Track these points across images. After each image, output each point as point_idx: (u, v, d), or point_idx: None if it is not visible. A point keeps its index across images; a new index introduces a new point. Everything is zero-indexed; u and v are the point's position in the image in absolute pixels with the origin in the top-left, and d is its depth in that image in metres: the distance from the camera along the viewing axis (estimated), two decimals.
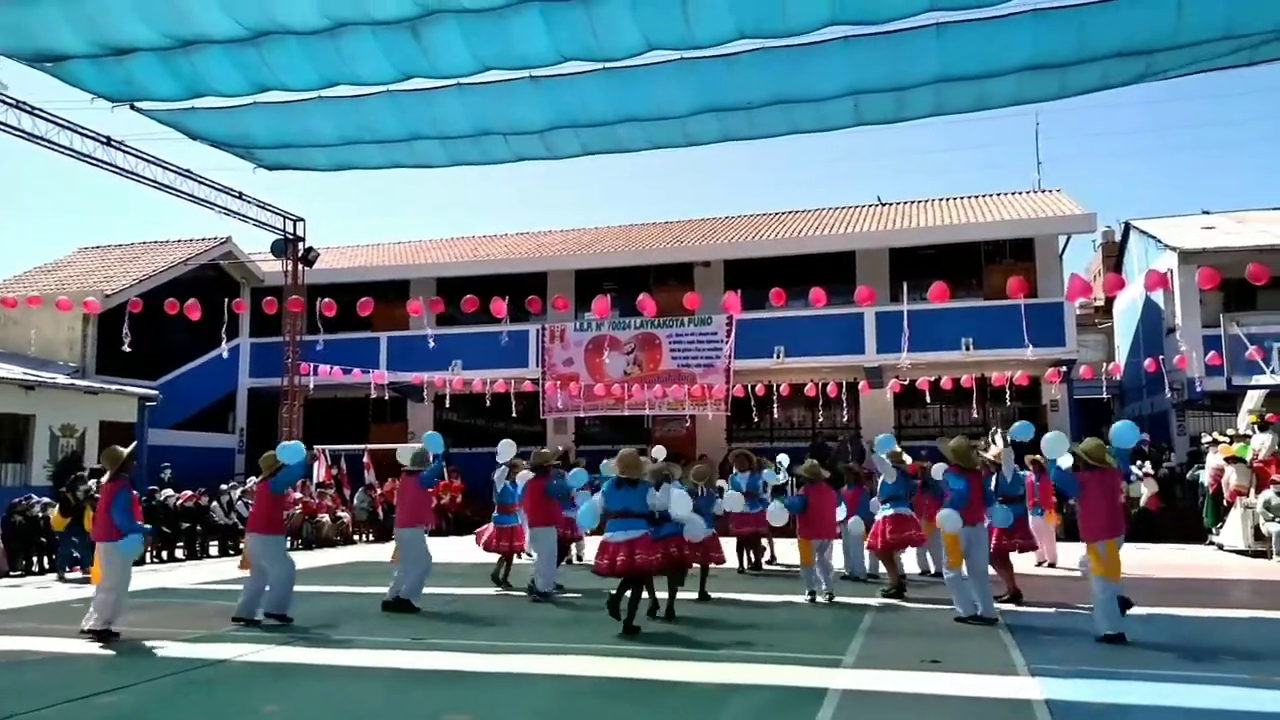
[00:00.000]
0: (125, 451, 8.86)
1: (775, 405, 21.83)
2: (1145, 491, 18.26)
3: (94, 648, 7.98)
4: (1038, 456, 12.84)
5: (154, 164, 17.14)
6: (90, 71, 11.40)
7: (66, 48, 10.84)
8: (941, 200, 27.14)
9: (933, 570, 12.06)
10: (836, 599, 10.16)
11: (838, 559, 11.49)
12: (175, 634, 8.45)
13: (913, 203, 27.34)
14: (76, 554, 13.67)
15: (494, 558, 11.90)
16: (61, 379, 19.79)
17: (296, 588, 9.38)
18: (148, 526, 8.69)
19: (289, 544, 10.83)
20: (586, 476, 11.64)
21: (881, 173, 65.65)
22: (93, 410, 19.93)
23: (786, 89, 11.67)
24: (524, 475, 11.26)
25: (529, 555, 11.38)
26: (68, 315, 20.47)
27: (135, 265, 24.85)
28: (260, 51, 10.76)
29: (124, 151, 16.38)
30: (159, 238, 28.29)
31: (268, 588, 9.15)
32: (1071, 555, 14.00)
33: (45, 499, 15.23)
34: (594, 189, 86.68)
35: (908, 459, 11.25)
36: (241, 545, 17.09)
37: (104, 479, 8.87)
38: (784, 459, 14.10)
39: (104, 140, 16.01)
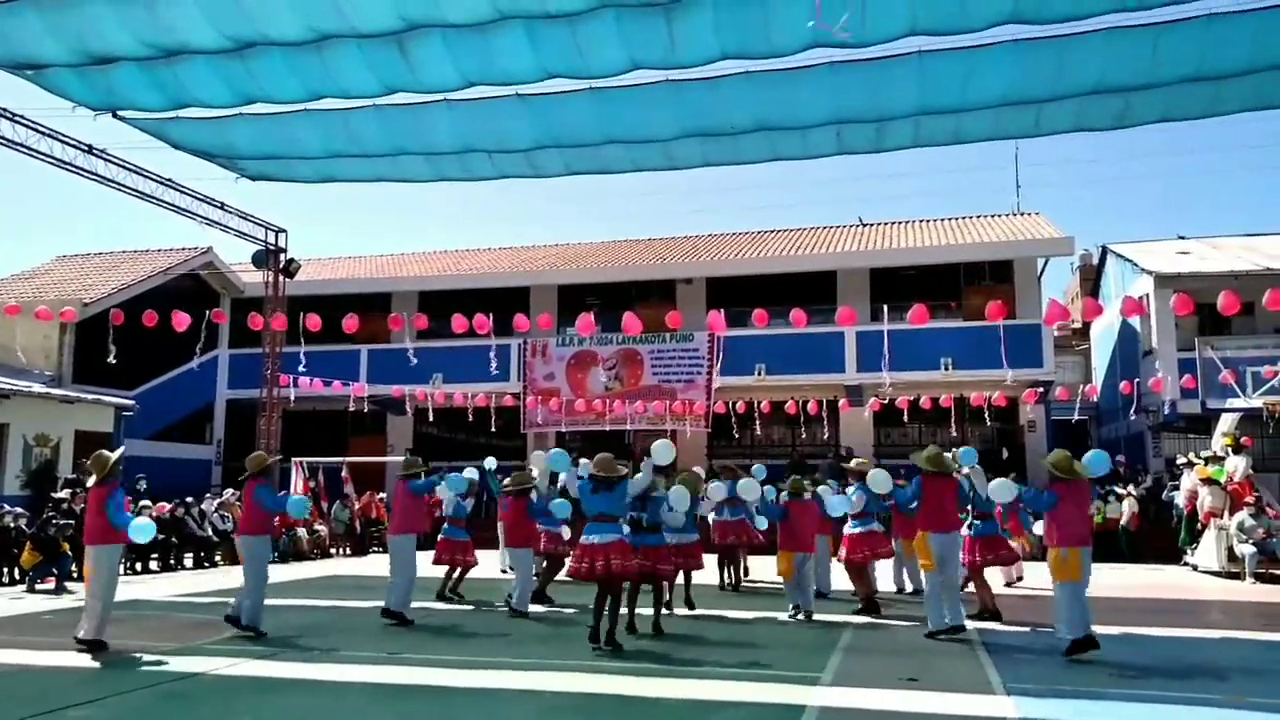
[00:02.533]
0: (113, 456, 8.82)
1: (756, 422, 21.90)
2: (1126, 511, 18.47)
3: (67, 659, 7.89)
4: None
5: (135, 172, 17.04)
6: (73, 80, 11.35)
7: (48, 56, 10.80)
8: (922, 222, 27.41)
9: (909, 589, 12.13)
10: (815, 616, 10.18)
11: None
12: (150, 647, 8.37)
13: (894, 224, 27.59)
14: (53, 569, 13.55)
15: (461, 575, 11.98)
16: (37, 388, 19.58)
17: (273, 601, 9.34)
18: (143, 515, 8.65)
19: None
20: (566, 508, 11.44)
21: (863, 194, 66.17)
22: (68, 420, 19.72)
23: (770, 115, 11.78)
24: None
25: (503, 570, 11.39)
26: (44, 324, 20.27)
27: (114, 274, 24.67)
28: (245, 63, 10.75)
29: (105, 160, 16.28)
30: (139, 247, 28.12)
31: (245, 601, 9.08)
32: (1039, 575, 14.19)
33: (18, 509, 15.05)
34: (577, 205, 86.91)
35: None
36: (219, 557, 17.20)
37: (90, 483, 8.82)
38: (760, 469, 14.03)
39: (85, 148, 15.91)
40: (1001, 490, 8.81)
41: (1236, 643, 9.15)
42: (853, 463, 12.17)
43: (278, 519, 17.66)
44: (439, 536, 12.11)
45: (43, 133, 15.17)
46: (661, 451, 8.97)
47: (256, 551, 9.21)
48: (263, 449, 21.72)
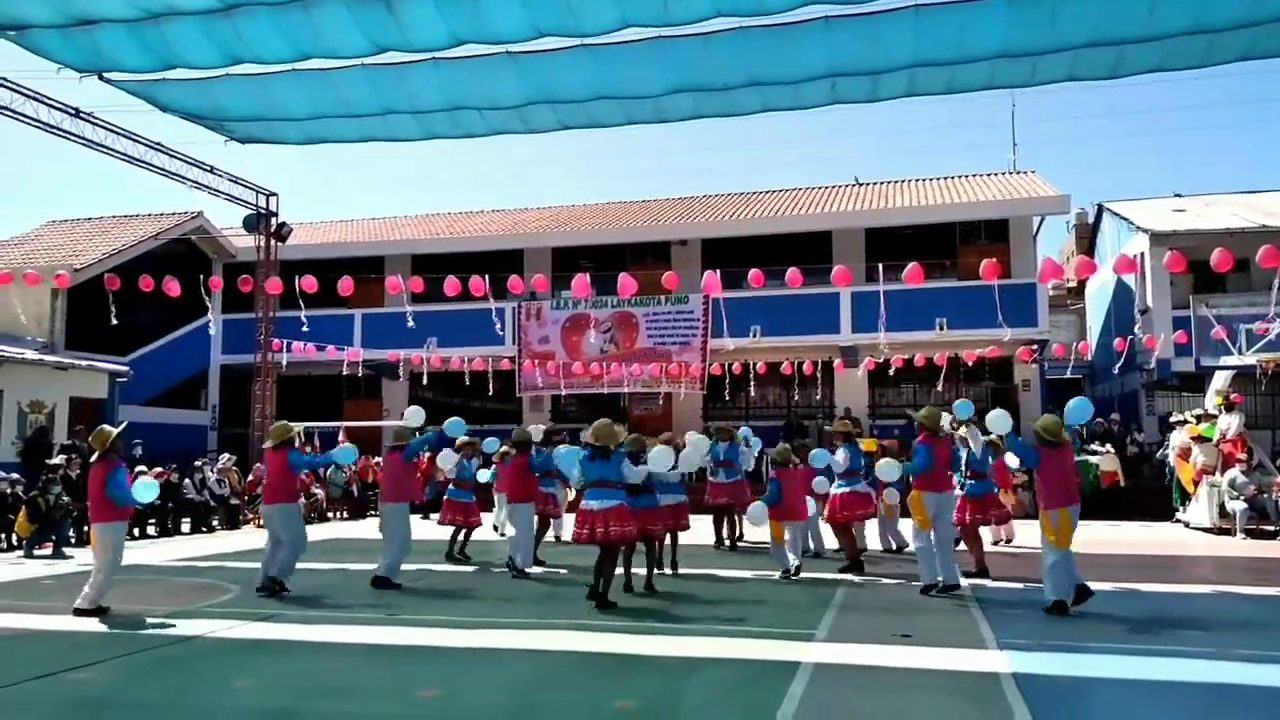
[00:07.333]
0: (114, 431, 8.83)
1: (751, 384, 21.92)
2: (1104, 467, 18.44)
3: (66, 624, 7.93)
4: (993, 437, 12.98)
5: (124, 136, 16.87)
6: (57, 41, 11.18)
7: (31, 16, 10.62)
8: (918, 181, 27.25)
9: (894, 547, 12.23)
10: (809, 574, 10.25)
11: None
12: (147, 611, 8.41)
13: (889, 183, 27.44)
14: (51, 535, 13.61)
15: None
16: (30, 354, 19.51)
17: None
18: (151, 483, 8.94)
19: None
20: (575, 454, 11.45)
21: (859, 153, 65.77)
22: (62, 386, 19.67)
23: (763, 70, 11.66)
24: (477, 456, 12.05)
25: (500, 534, 11.42)
26: (35, 289, 20.16)
27: (105, 239, 24.48)
28: (232, 23, 10.60)
29: (93, 123, 16.09)
30: (129, 211, 27.89)
31: (278, 554, 9.42)
32: (1029, 533, 14.29)
33: (14, 475, 15.06)
34: (571, 166, 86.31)
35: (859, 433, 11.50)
36: (216, 521, 17.25)
37: (93, 460, 8.84)
38: (747, 431, 13.87)
39: (72, 112, 15.71)
40: (999, 421, 8.53)
41: (1226, 597, 9.25)
42: (834, 424, 12.22)
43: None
44: (444, 497, 12.21)
45: (28, 96, 14.96)
46: (659, 458, 8.92)
47: (294, 517, 9.55)
48: (258, 414, 21.78)
